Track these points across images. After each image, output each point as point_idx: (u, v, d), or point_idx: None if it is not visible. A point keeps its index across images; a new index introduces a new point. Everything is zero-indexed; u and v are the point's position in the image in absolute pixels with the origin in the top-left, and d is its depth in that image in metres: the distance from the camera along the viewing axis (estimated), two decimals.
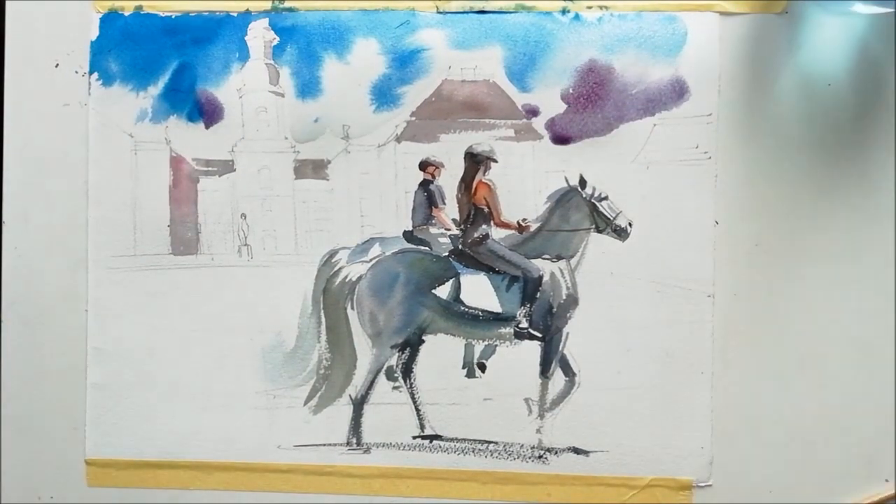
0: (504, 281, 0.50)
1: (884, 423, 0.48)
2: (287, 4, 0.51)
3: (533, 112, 0.50)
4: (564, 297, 0.50)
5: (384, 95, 0.50)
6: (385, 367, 0.51)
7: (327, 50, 0.51)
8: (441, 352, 0.50)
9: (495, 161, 0.50)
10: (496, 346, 0.50)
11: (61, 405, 0.52)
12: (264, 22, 0.51)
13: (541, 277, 0.50)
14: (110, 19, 0.51)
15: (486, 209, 0.50)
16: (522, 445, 0.50)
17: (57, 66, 0.52)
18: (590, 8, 0.49)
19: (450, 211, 0.51)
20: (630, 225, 0.49)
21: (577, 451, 0.49)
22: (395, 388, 0.51)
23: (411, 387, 0.50)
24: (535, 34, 0.50)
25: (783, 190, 0.48)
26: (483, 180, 0.50)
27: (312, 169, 0.51)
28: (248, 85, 0.51)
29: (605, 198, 0.50)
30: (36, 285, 0.52)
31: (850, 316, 0.48)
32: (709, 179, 0.49)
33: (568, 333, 0.50)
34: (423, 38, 0.50)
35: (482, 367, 0.50)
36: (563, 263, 0.50)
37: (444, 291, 0.51)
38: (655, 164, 0.49)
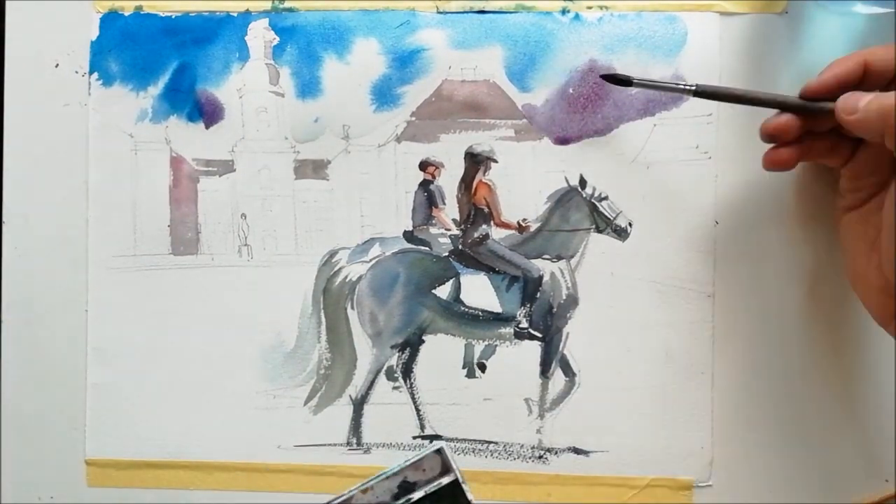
0: (504, 281, 0.50)
1: (884, 423, 0.48)
2: (287, 4, 0.51)
3: (533, 112, 0.50)
4: (564, 297, 0.50)
5: (384, 95, 0.50)
6: (385, 367, 0.51)
7: (327, 50, 0.51)
8: (441, 352, 0.50)
9: (495, 161, 0.50)
10: (496, 346, 0.50)
11: (61, 405, 0.52)
12: (264, 22, 0.51)
13: (541, 277, 0.50)
14: (110, 19, 0.52)
15: (486, 209, 0.50)
16: (522, 445, 0.50)
17: (57, 66, 0.52)
18: (590, 8, 0.49)
19: (450, 211, 0.51)
20: (630, 225, 0.49)
21: (577, 451, 0.49)
22: (395, 388, 0.51)
23: (411, 387, 0.50)
24: (535, 34, 0.50)
25: (783, 190, 0.48)
26: (483, 180, 0.50)
27: (312, 169, 0.51)
28: (248, 85, 0.51)
29: (606, 198, 0.50)
30: (36, 285, 0.52)
31: (850, 316, 0.48)
32: (709, 179, 0.49)
33: (568, 333, 0.50)
34: (424, 38, 0.50)
35: (482, 367, 0.50)
36: (563, 263, 0.50)
37: (444, 291, 0.51)
38: (655, 164, 0.49)
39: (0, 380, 0.52)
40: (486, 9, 0.50)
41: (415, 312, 0.51)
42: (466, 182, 0.51)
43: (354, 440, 0.50)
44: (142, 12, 0.51)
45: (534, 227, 0.50)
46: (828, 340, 0.48)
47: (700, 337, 0.49)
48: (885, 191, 0.41)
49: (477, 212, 0.51)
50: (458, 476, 0.44)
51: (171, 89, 0.51)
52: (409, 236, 0.51)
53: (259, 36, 0.51)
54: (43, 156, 0.52)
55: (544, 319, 0.50)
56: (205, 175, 0.52)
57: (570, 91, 0.49)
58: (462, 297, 0.51)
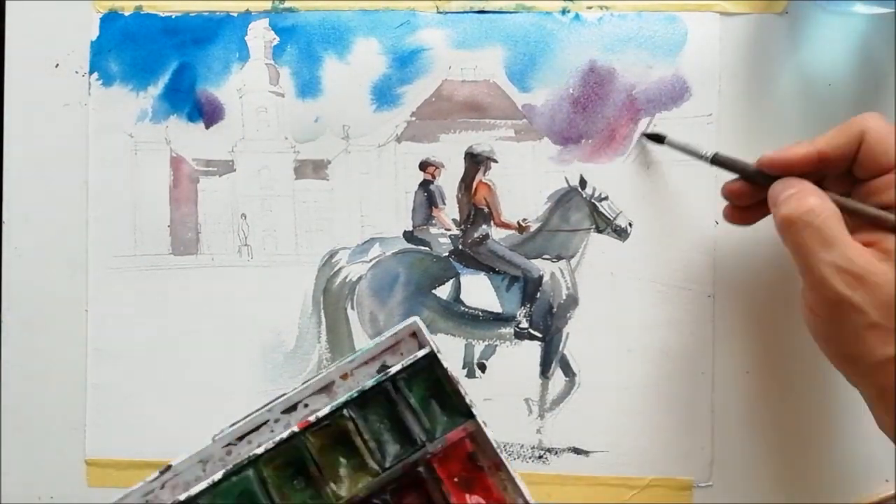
0: (504, 281, 0.50)
1: None
2: (287, 4, 0.51)
3: (533, 112, 0.50)
4: (564, 297, 0.50)
5: (384, 95, 0.50)
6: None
7: (327, 50, 0.51)
8: (441, 352, 0.50)
9: (495, 161, 0.50)
10: (496, 346, 0.50)
11: (61, 405, 0.52)
12: (264, 22, 0.51)
13: (541, 277, 0.50)
14: (110, 19, 0.51)
15: (486, 209, 0.50)
16: (522, 445, 0.50)
17: (57, 66, 0.52)
18: (590, 8, 0.49)
19: (450, 211, 0.51)
20: (630, 225, 0.49)
21: (577, 451, 0.49)
22: None
23: None
24: (535, 34, 0.50)
25: None
26: (483, 180, 0.50)
27: (312, 169, 0.51)
28: (248, 85, 0.51)
29: (606, 198, 0.50)
30: (36, 285, 0.52)
31: None
32: (709, 179, 0.49)
33: (568, 333, 0.50)
34: (424, 37, 0.50)
35: (482, 367, 0.50)
36: (563, 263, 0.50)
37: (444, 291, 0.51)
38: (655, 164, 0.49)
39: (0, 380, 0.52)
40: (486, 9, 0.50)
41: (415, 312, 0.51)
42: (466, 182, 0.51)
43: None
44: (142, 12, 0.51)
45: (534, 227, 0.50)
46: None
47: (700, 337, 0.49)
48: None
49: (477, 212, 0.51)
50: (434, 347, 0.44)
51: (171, 89, 0.51)
52: (409, 236, 0.51)
53: (259, 36, 0.51)
54: (43, 156, 0.52)
55: (544, 319, 0.50)
56: (205, 175, 0.52)
57: (571, 91, 0.49)
58: (462, 297, 0.51)
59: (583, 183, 0.50)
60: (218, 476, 0.43)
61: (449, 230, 0.51)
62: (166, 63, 0.51)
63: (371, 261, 0.51)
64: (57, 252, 0.52)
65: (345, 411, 0.44)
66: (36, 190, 0.52)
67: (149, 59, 0.51)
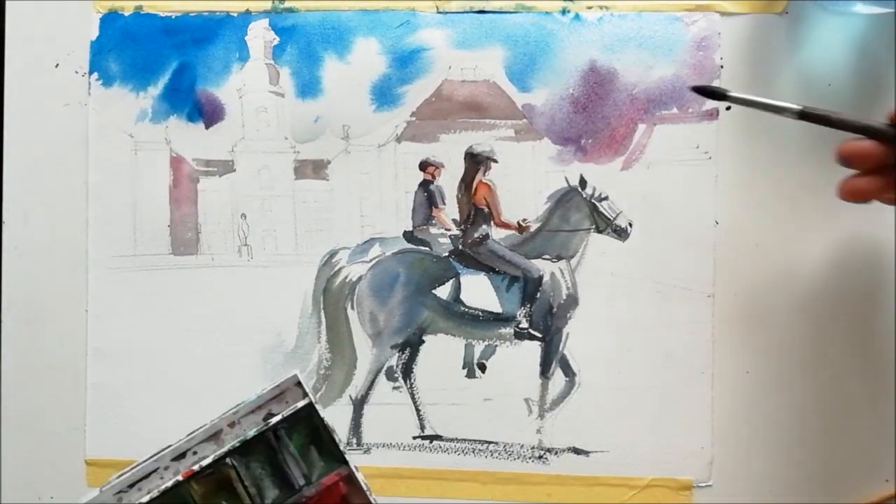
0: (504, 281, 0.50)
1: (884, 423, 0.48)
2: (287, 4, 0.51)
3: (533, 112, 0.50)
4: (564, 298, 0.50)
5: (384, 95, 0.50)
6: (385, 368, 0.51)
7: (327, 50, 0.51)
8: (441, 352, 0.50)
9: (495, 161, 0.50)
10: (496, 346, 0.50)
11: (61, 405, 0.52)
12: (264, 22, 0.51)
13: (541, 278, 0.50)
14: (110, 19, 0.52)
15: (486, 209, 0.50)
16: (522, 445, 0.50)
17: (57, 66, 0.52)
18: (590, 8, 0.49)
19: (450, 211, 0.51)
20: (630, 225, 0.49)
21: (577, 451, 0.49)
22: (395, 388, 0.51)
23: (411, 387, 0.50)
24: (535, 34, 0.50)
25: (783, 190, 0.48)
26: (483, 180, 0.50)
27: (312, 169, 0.51)
28: (248, 85, 0.51)
29: (606, 198, 0.50)
30: (36, 285, 0.52)
31: (850, 316, 0.48)
32: (709, 179, 0.49)
33: (568, 333, 0.50)
34: (424, 37, 0.50)
35: (482, 368, 0.50)
36: (563, 263, 0.50)
37: (444, 292, 0.51)
38: (655, 164, 0.49)
39: (0, 380, 0.52)
40: (486, 9, 0.50)
41: (415, 312, 0.51)
42: (466, 182, 0.51)
43: (354, 440, 0.50)
44: (142, 12, 0.51)
45: (534, 227, 0.50)
46: (828, 340, 0.48)
47: (700, 337, 0.49)
48: None
49: (477, 212, 0.51)
50: (313, 399, 0.47)
51: (171, 89, 0.51)
52: (409, 236, 0.51)
53: (259, 36, 0.51)
54: (43, 156, 0.52)
55: (544, 319, 0.50)
56: (205, 175, 0.52)
57: (571, 91, 0.49)
58: (462, 297, 0.51)
59: (583, 183, 0.50)
60: None
61: (449, 230, 0.51)
62: (166, 63, 0.51)
63: (371, 261, 0.51)
64: (57, 252, 0.52)
65: (228, 460, 0.46)
66: (36, 190, 0.52)
67: (149, 59, 0.51)
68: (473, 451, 0.50)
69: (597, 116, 0.49)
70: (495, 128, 0.50)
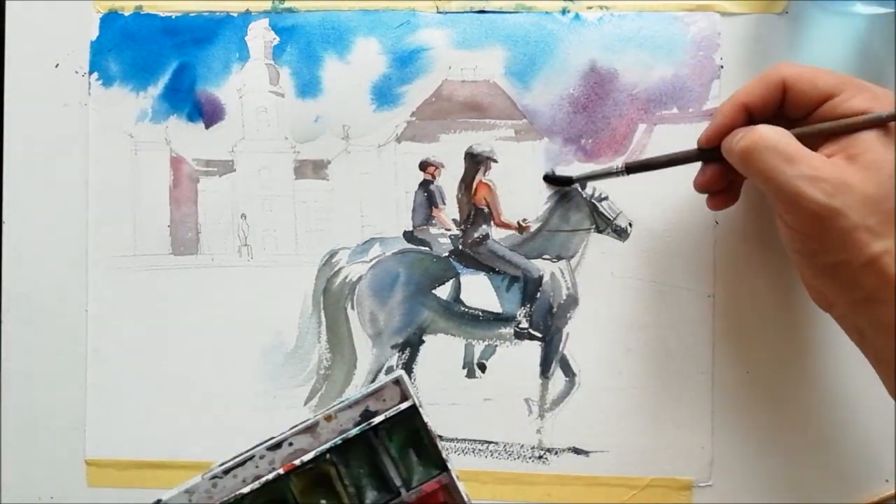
0: (504, 281, 0.50)
1: (884, 423, 0.48)
2: (287, 4, 0.51)
3: (533, 112, 0.50)
4: (564, 298, 0.50)
5: (384, 95, 0.50)
6: (385, 368, 0.51)
7: (327, 50, 0.51)
8: (441, 352, 0.50)
9: (495, 161, 0.50)
10: (496, 346, 0.50)
11: (61, 405, 0.52)
12: (264, 22, 0.51)
13: (541, 278, 0.50)
14: (110, 19, 0.51)
15: (486, 209, 0.50)
16: (522, 445, 0.50)
17: (57, 66, 0.52)
18: (590, 8, 0.49)
19: (450, 211, 0.51)
20: (630, 225, 0.49)
21: (577, 451, 0.50)
22: None
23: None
24: (535, 34, 0.50)
25: None
26: (483, 180, 0.50)
27: (312, 169, 0.51)
28: (248, 85, 0.51)
29: (606, 198, 0.50)
30: (36, 285, 0.52)
31: None
32: None
33: (568, 333, 0.50)
34: (424, 37, 0.50)
35: (482, 368, 0.50)
36: (563, 263, 0.50)
37: (444, 291, 0.51)
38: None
39: (0, 380, 0.52)
40: (486, 9, 0.50)
41: (415, 312, 0.51)
42: (466, 182, 0.51)
43: None
44: (142, 12, 0.51)
45: (534, 227, 0.50)
46: (828, 340, 0.48)
47: (700, 337, 0.49)
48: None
49: (477, 212, 0.51)
50: (416, 401, 0.46)
51: (171, 89, 0.51)
52: (409, 236, 0.51)
53: (259, 36, 0.51)
54: (43, 156, 0.52)
55: (544, 319, 0.50)
56: (205, 175, 0.52)
57: (571, 91, 0.49)
58: (462, 297, 0.51)
59: (583, 183, 0.50)
60: None
61: (449, 230, 0.51)
62: (166, 63, 0.51)
63: (371, 261, 0.51)
64: (57, 252, 0.52)
65: (328, 456, 0.46)
66: (36, 190, 0.52)
67: (149, 59, 0.51)
68: (473, 451, 0.50)
69: (597, 116, 0.49)
70: (495, 128, 0.50)
